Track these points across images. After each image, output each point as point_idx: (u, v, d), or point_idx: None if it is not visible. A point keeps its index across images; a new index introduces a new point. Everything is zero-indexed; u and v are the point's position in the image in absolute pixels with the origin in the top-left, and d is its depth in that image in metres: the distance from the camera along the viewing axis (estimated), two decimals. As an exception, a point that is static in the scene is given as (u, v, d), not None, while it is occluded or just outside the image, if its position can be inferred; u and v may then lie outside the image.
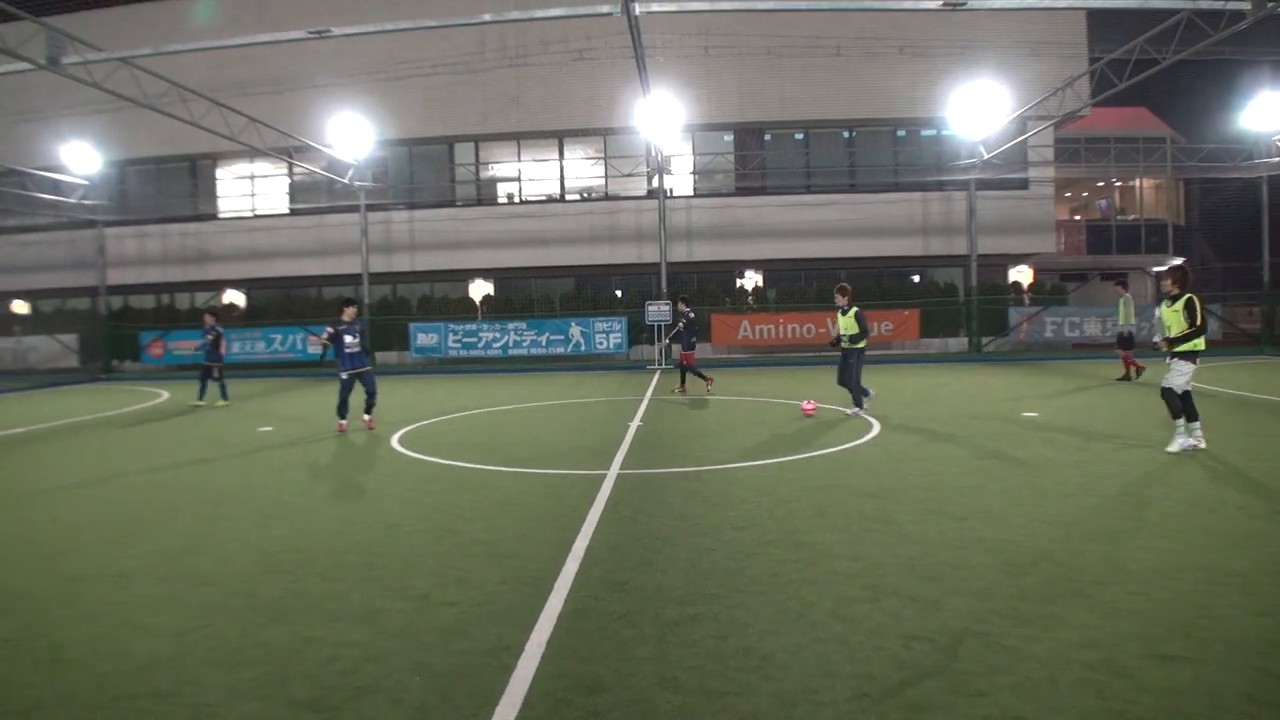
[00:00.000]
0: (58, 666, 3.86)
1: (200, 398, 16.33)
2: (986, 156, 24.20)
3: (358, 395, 11.92)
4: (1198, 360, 8.53)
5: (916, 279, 28.34)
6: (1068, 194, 36.18)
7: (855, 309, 11.87)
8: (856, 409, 11.80)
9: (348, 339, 11.57)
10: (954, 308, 26.00)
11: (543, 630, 4.11)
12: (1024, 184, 26.57)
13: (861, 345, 11.87)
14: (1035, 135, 23.93)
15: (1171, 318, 8.54)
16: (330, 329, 11.60)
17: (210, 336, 16.27)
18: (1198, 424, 8.59)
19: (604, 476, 7.93)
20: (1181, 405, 8.55)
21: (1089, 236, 33.75)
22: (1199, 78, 33.20)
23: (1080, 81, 20.80)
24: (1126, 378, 16.24)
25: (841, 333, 12.02)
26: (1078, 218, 36.31)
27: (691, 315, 15.71)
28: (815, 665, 3.64)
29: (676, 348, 16.84)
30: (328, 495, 7.57)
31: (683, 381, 16.20)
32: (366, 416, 12.00)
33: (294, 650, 3.97)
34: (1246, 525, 5.67)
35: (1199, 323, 8.36)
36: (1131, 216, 34.31)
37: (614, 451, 9.36)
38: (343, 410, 11.68)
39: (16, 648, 4.11)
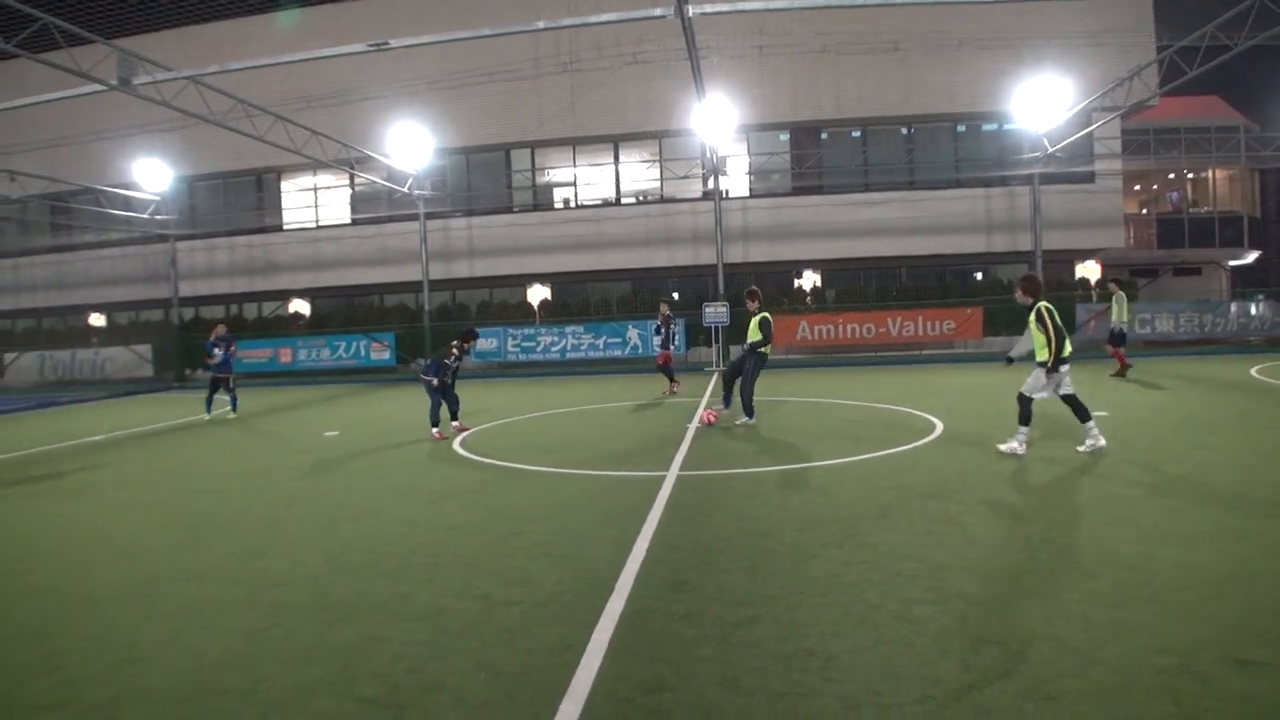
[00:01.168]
0: (135, 664, 4.00)
1: (208, 411, 15.70)
2: (1051, 150, 23.60)
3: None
4: (1062, 369, 8.28)
5: (980, 276, 27.76)
6: (1136, 187, 35.08)
7: (763, 315, 11.52)
8: (746, 418, 11.54)
9: (448, 362, 11.59)
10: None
11: (604, 630, 4.14)
12: (1090, 177, 25.84)
13: (765, 351, 11.66)
14: (1101, 127, 23.26)
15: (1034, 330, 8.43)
16: (457, 351, 11.61)
17: (220, 349, 15.51)
18: (1090, 424, 8.43)
19: (663, 477, 7.94)
20: (1025, 411, 8.49)
21: (1159, 230, 32.66)
22: (1274, 63, 31.90)
23: (1148, 71, 20.19)
24: (1121, 374, 16.52)
25: (748, 339, 11.74)
26: (1146, 212, 35.18)
27: (670, 316, 16.58)
28: (879, 667, 3.59)
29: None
30: (392, 498, 7.71)
31: (671, 379, 16.67)
32: (455, 423, 11.95)
33: (361, 649, 4.06)
34: (1332, 527, 5.44)
35: (1052, 332, 8.20)
36: (1204, 209, 33.09)
37: (673, 453, 9.37)
38: (437, 417, 11.60)
39: (97, 645, 4.28)
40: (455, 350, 11.54)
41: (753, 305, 12.23)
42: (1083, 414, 8.45)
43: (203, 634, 4.37)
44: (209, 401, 15.83)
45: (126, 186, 26.81)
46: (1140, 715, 3.10)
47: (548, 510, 6.87)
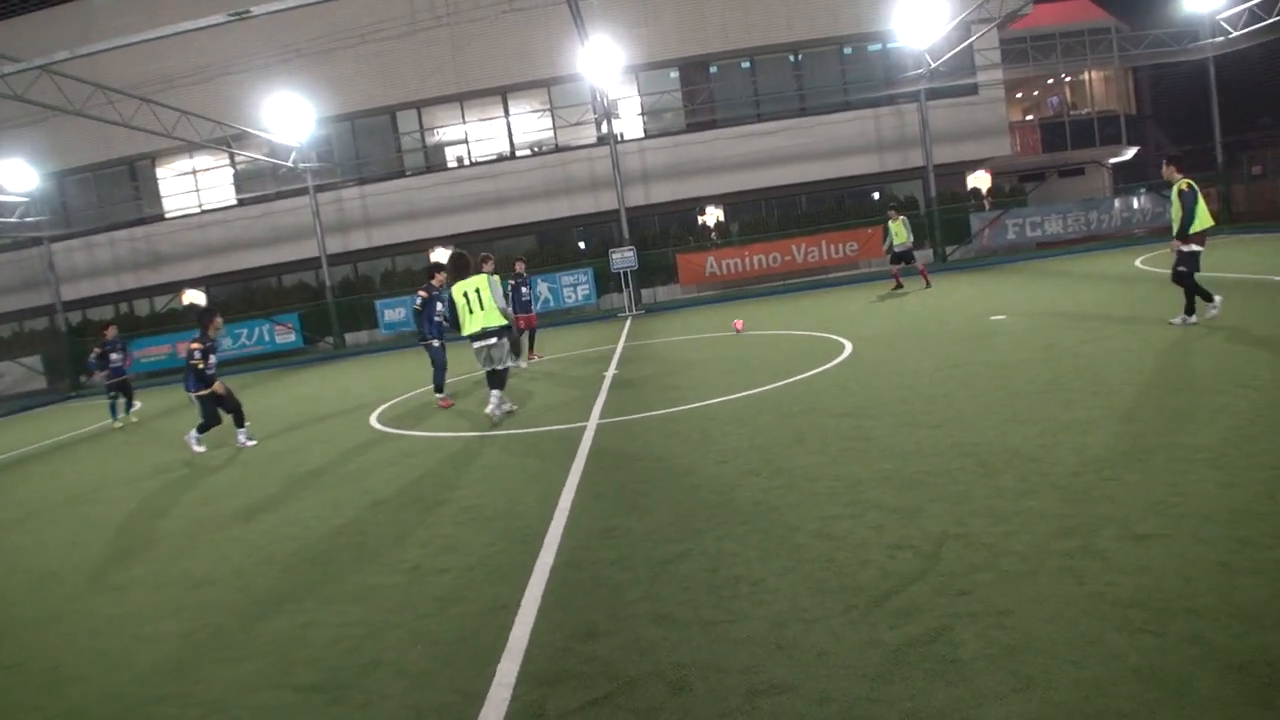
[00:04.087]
0: (64, 685, 3.88)
1: (114, 417, 14.55)
2: (934, 65, 24.03)
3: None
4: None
5: (876, 196, 28.32)
6: (1019, 95, 36.02)
7: (494, 274, 10.89)
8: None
9: (440, 305, 10.53)
10: (916, 220, 26.04)
11: (536, 586, 4.18)
12: (974, 89, 26.43)
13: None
14: (980, 39, 23.76)
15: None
16: (423, 293, 10.64)
17: (117, 352, 14.05)
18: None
19: (584, 428, 7.97)
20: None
21: (1043, 135, 33.70)
22: (1136, -39, 32.93)
23: (1018, -22, 20.60)
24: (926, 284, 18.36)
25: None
26: (1030, 118, 36.23)
27: (524, 276, 14.40)
28: (804, 585, 3.73)
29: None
30: (311, 481, 7.56)
31: (531, 347, 14.99)
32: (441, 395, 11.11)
33: (295, 637, 4.02)
34: (1212, 401, 5.80)
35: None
36: (1084, 111, 34.25)
37: (591, 403, 9.40)
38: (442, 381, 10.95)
39: (21, 673, 4.12)
40: (423, 293, 10.61)
41: (487, 267, 11.02)
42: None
43: (131, 645, 4.25)
44: (113, 408, 14.72)
45: (-12, 190, 25.07)
46: (1048, 597, 3.30)
47: (471, 475, 6.84)
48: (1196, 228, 8.75)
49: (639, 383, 10.51)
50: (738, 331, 14.09)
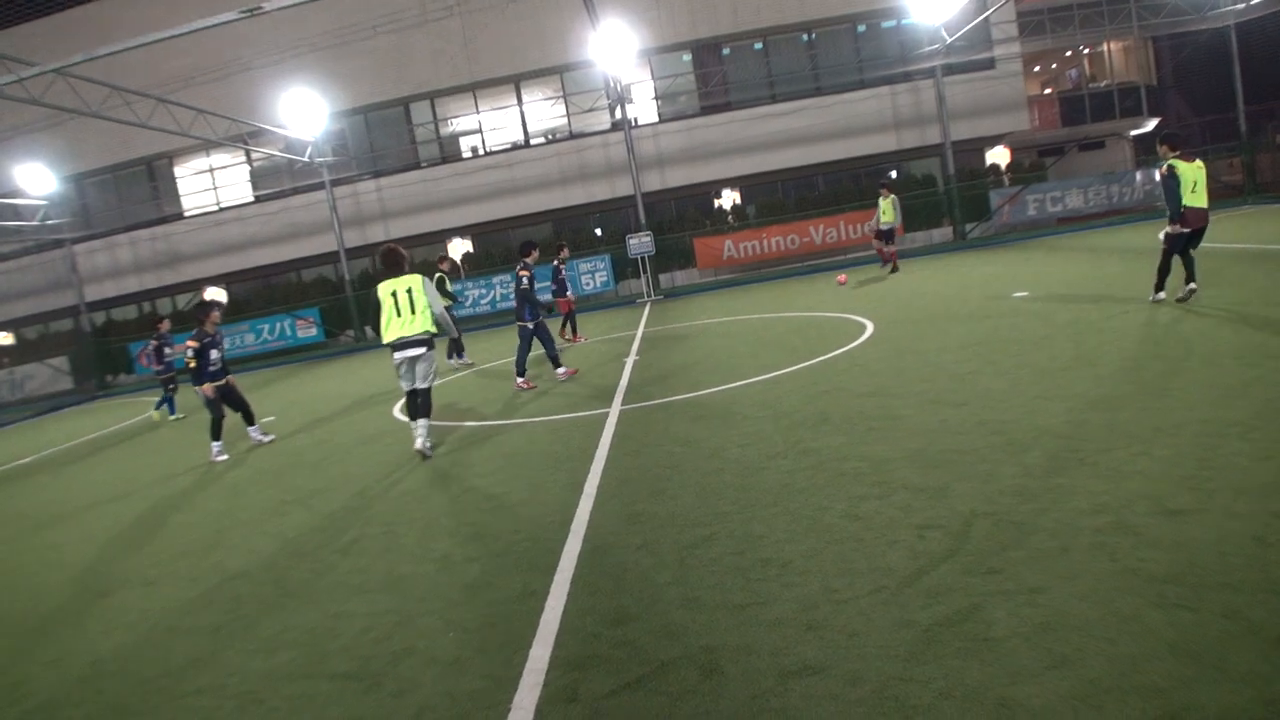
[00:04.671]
0: (102, 680, 3.94)
1: (173, 411, 14.82)
2: (949, 40, 23.74)
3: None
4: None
5: (894, 174, 28.07)
6: (1036, 68, 35.54)
7: (438, 274, 10.35)
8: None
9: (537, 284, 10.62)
10: (935, 199, 25.82)
11: (565, 571, 4.19)
12: (991, 63, 26.08)
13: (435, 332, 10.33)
14: (996, 12, 23.42)
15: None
16: (526, 272, 10.66)
17: (168, 346, 14.46)
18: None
19: (606, 415, 7.98)
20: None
21: (1062, 108, 33.20)
22: (1155, -72, 32.33)
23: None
24: (892, 268, 18.48)
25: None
26: (1048, 91, 35.72)
27: (567, 260, 15.27)
28: (833, 566, 3.72)
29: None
30: (339, 474, 7.62)
31: (574, 330, 15.47)
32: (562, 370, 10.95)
33: (327, 628, 4.06)
34: (1243, 374, 5.72)
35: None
36: (1103, 83, 33.72)
37: (614, 389, 9.41)
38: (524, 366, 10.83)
39: (60, 668, 4.19)
40: (526, 272, 10.64)
41: (443, 267, 11.03)
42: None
43: (167, 638, 4.31)
44: (171, 402, 14.78)
45: (11, 194, 25.34)
46: (1080, 574, 3.27)
47: (497, 463, 6.87)
48: (1189, 203, 8.68)
49: (660, 367, 10.50)
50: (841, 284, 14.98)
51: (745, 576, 3.77)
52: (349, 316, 26.26)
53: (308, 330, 25.78)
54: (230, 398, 9.88)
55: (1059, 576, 3.27)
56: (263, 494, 7.35)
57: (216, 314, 9.82)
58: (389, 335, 7.48)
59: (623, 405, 8.36)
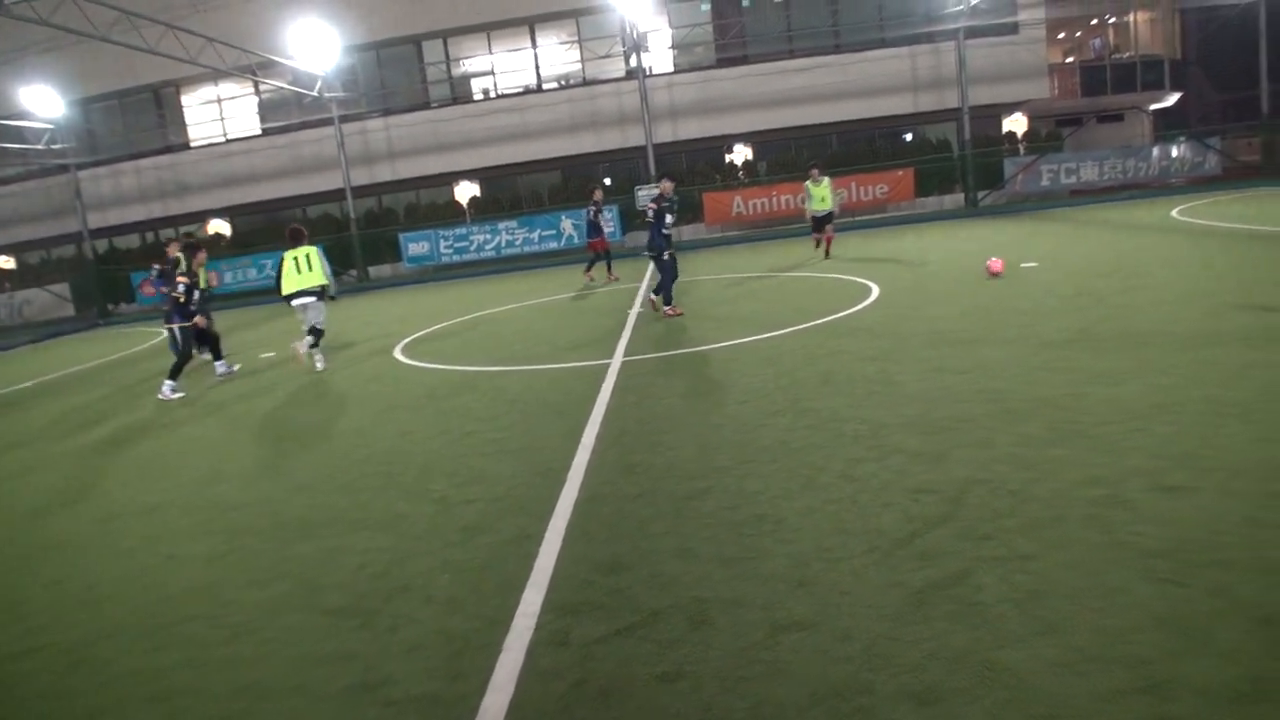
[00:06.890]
0: (99, 604, 3.99)
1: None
2: (975, 1, 23.28)
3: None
4: None
5: (909, 137, 27.74)
6: (1060, 35, 34.86)
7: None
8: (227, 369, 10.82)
9: (669, 218, 10.64)
10: (949, 164, 25.53)
11: (561, 518, 4.23)
12: (1014, 28, 25.62)
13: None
14: (1022, -27, 22.96)
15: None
16: (653, 204, 10.64)
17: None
18: None
19: (608, 365, 7.99)
20: None
21: (1083, 78, 32.67)
22: (1191, -104, 31.46)
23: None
24: (825, 254, 15.81)
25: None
26: (1070, 60, 35.10)
27: (600, 204, 16.89)
28: (827, 525, 3.74)
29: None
30: (340, 412, 7.65)
31: (609, 268, 16.94)
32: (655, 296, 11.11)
33: (323, 562, 4.10)
34: (1246, 355, 5.69)
35: None
36: (1126, 54, 33.12)
37: (616, 340, 9.40)
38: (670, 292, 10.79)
39: (59, 589, 4.25)
40: (653, 204, 10.64)
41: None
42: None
43: (163, 565, 4.36)
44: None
45: (16, 116, 25.05)
46: (1072, 544, 3.29)
47: (498, 409, 6.89)
48: None
49: (664, 321, 10.48)
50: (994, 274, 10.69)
51: (739, 531, 3.80)
52: (353, 255, 26.14)
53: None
54: (205, 334, 10.38)
55: (1051, 545, 3.30)
56: (261, 431, 7.39)
57: (203, 255, 10.51)
58: (289, 288, 9.78)
59: (625, 357, 8.36)
